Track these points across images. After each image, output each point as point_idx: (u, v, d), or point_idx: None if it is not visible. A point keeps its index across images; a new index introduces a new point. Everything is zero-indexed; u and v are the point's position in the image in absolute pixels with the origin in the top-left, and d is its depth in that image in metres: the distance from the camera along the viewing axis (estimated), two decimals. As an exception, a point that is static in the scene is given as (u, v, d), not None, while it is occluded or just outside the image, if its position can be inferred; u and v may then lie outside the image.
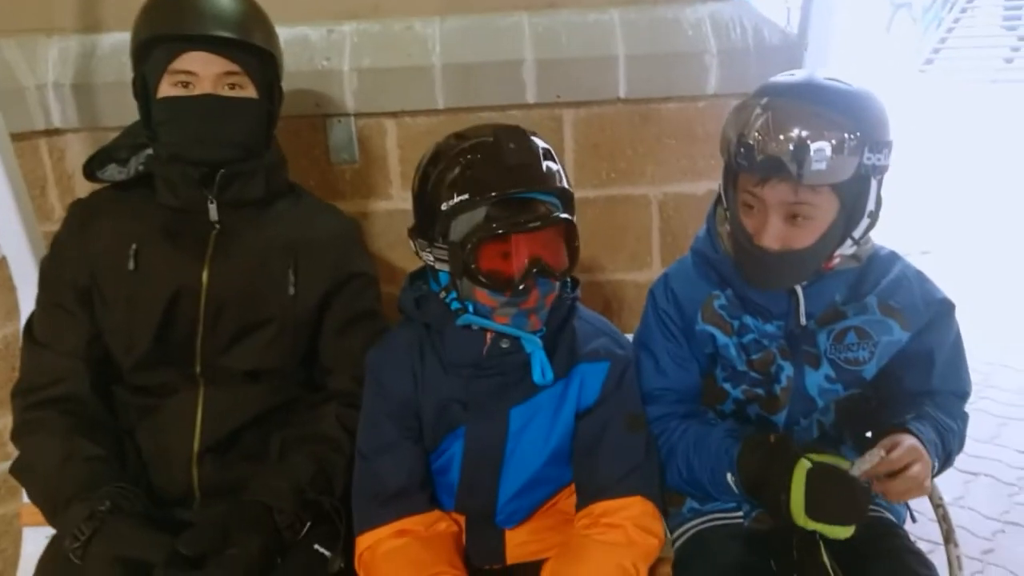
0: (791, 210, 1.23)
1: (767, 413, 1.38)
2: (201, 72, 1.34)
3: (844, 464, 1.17)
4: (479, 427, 1.29)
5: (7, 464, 1.39)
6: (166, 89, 1.36)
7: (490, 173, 1.17)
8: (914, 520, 1.43)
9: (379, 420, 1.33)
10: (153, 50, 1.35)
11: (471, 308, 1.25)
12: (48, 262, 1.45)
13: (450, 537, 1.30)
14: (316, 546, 1.30)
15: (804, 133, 1.16)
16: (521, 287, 1.19)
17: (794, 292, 1.33)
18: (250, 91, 1.39)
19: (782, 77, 1.28)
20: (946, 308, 1.38)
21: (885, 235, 1.39)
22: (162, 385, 1.41)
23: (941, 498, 1.44)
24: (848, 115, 1.18)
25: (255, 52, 1.38)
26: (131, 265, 1.37)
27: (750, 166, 1.21)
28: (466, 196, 1.17)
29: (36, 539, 1.53)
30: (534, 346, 1.25)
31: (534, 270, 1.18)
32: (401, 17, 1.93)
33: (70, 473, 1.28)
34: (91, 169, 1.47)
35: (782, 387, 1.35)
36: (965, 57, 11.93)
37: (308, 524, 1.31)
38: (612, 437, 1.31)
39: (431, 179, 1.23)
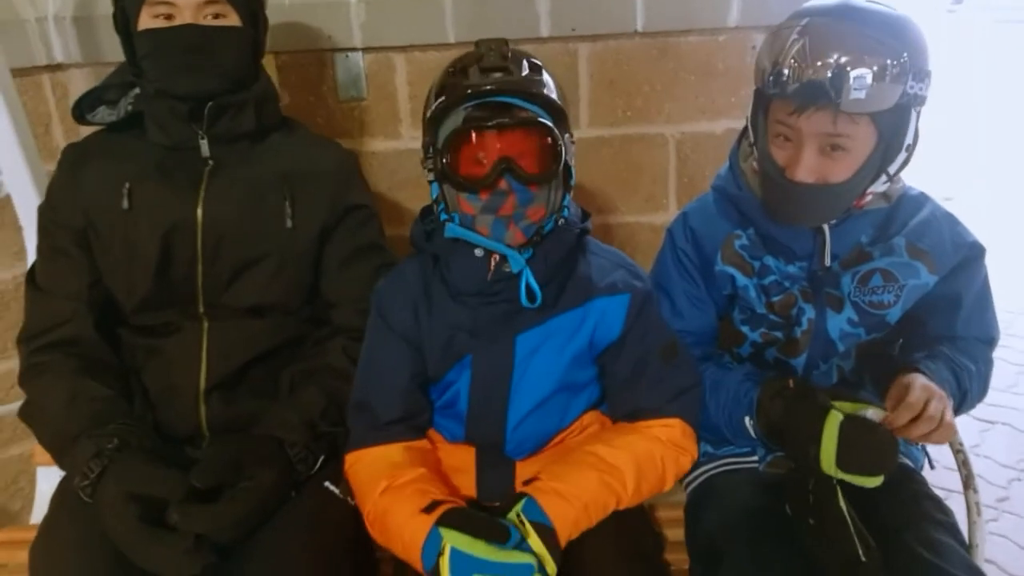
0: (828, 141, 1.17)
1: (786, 356, 1.35)
2: (180, 2, 1.30)
3: (866, 409, 1.15)
4: (485, 354, 1.28)
5: (19, 404, 1.39)
6: (146, 21, 1.32)
7: (468, 77, 1.20)
8: (932, 466, 1.40)
9: (377, 351, 1.33)
10: None
11: (457, 219, 1.26)
12: (44, 208, 1.43)
13: (431, 453, 1.32)
14: (326, 484, 1.30)
15: (845, 58, 1.10)
16: (494, 190, 1.19)
17: (820, 231, 1.28)
18: (233, 19, 1.35)
19: (819, 1, 1.21)
20: (976, 252, 1.33)
21: (911, 178, 1.34)
22: (166, 324, 1.40)
23: (961, 443, 1.41)
24: (892, 39, 1.12)
25: None
26: (125, 204, 1.35)
27: (785, 93, 1.16)
28: (443, 99, 1.20)
29: (50, 477, 1.54)
30: (519, 264, 1.24)
31: (503, 167, 1.18)
32: (410, -55, 1.86)
33: (76, 412, 1.28)
34: (80, 112, 1.44)
35: (803, 330, 1.32)
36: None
37: (322, 457, 1.32)
38: (649, 370, 1.30)
39: (428, 93, 1.27)
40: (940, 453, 1.46)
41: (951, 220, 1.34)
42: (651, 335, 1.32)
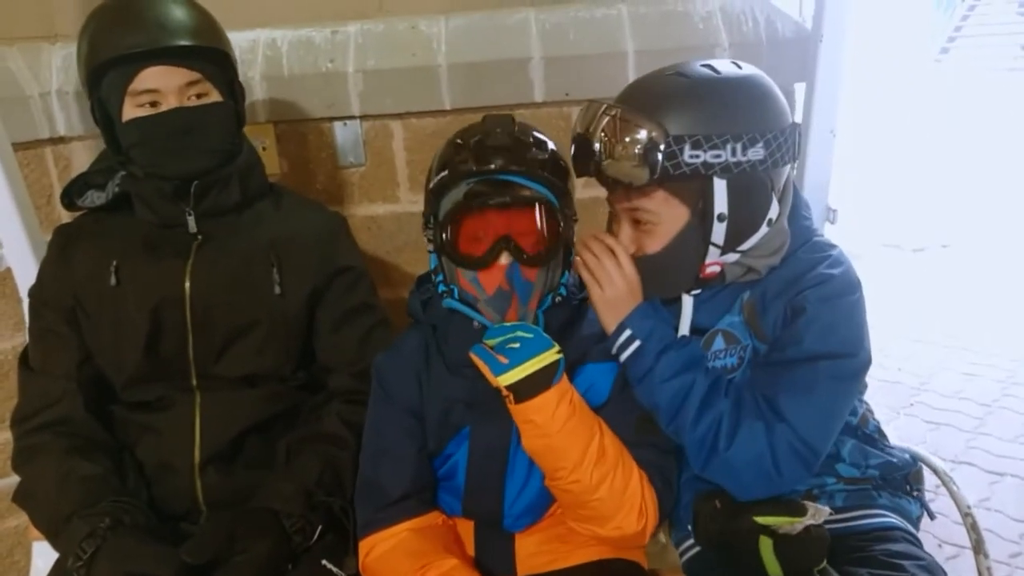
0: (633, 216, 1.21)
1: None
2: (163, 87, 1.31)
3: (792, 521, 1.12)
4: (483, 426, 1.27)
5: (15, 479, 1.38)
6: (131, 111, 1.32)
7: (471, 153, 1.20)
8: (932, 517, 1.35)
9: (382, 425, 1.32)
10: (106, 74, 1.31)
11: (456, 293, 1.26)
12: (34, 289, 1.45)
13: (447, 529, 1.29)
14: (324, 562, 1.27)
15: (599, 136, 1.16)
16: (498, 289, 1.20)
17: (677, 301, 1.26)
18: (214, 95, 1.37)
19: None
20: (809, 318, 1.17)
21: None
22: (159, 399, 1.39)
23: (969, 507, 1.38)
24: (654, 112, 1.12)
25: (211, 55, 1.35)
26: (112, 281, 1.36)
27: (580, 172, 1.23)
28: (445, 173, 1.21)
29: (45, 553, 1.51)
30: None
31: (502, 245, 1.19)
32: (406, 16, 1.91)
33: (67, 493, 1.27)
34: (70, 199, 1.46)
35: None
36: (981, 45, 11.79)
37: (319, 528, 1.29)
38: (621, 437, 1.25)
39: (432, 164, 1.28)
40: (949, 508, 1.44)
41: (797, 281, 1.21)
42: (634, 406, 1.27)
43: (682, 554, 1.36)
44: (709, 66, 1.18)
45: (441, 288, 1.27)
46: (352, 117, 1.89)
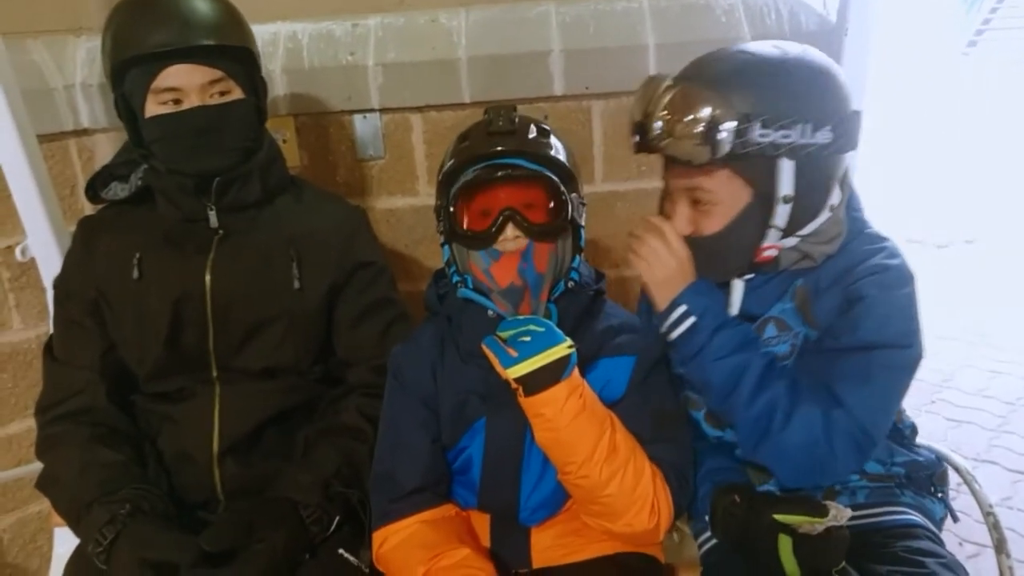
0: (691, 195, 1.18)
1: (715, 428, 1.33)
2: (186, 86, 1.31)
3: (817, 520, 1.10)
4: (498, 418, 1.27)
5: (39, 464, 1.40)
6: (153, 108, 1.32)
7: (475, 141, 1.25)
8: (955, 519, 1.33)
9: (397, 418, 1.33)
10: (129, 71, 1.31)
11: (469, 282, 1.27)
12: (58, 280, 1.47)
13: (460, 521, 1.30)
14: (341, 551, 1.28)
15: (668, 112, 1.12)
16: (510, 284, 1.21)
17: (726, 286, 1.25)
18: (237, 92, 1.36)
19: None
20: (865, 306, 1.16)
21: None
22: (179, 390, 1.41)
23: (991, 505, 1.37)
24: (727, 89, 1.09)
25: (235, 53, 1.35)
26: (135, 274, 1.37)
27: (639, 149, 1.20)
28: (453, 161, 1.25)
29: (66, 540, 1.54)
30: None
31: (506, 214, 1.20)
32: (426, 10, 1.91)
33: (88, 480, 1.29)
34: (94, 191, 1.47)
35: None
36: (1010, 39, 11.58)
37: (336, 519, 1.30)
38: (637, 434, 1.26)
39: (442, 159, 1.31)
40: (971, 506, 1.42)
41: (864, 271, 1.18)
42: (651, 402, 1.28)
43: (700, 545, 1.36)
44: (776, 46, 1.16)
45: (455, 279, 1.28)
46: (372, 110, 1.90)
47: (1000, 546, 1.34)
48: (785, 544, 1.11)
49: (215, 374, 1.40)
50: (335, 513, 1.31)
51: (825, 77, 1.14)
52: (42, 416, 1.40)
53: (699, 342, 1.19)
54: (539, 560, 1.29)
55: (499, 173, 1.21)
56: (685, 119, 1.10)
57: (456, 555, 1.19)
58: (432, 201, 1.85)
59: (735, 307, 1.24)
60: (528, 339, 1.16)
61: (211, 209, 1.39)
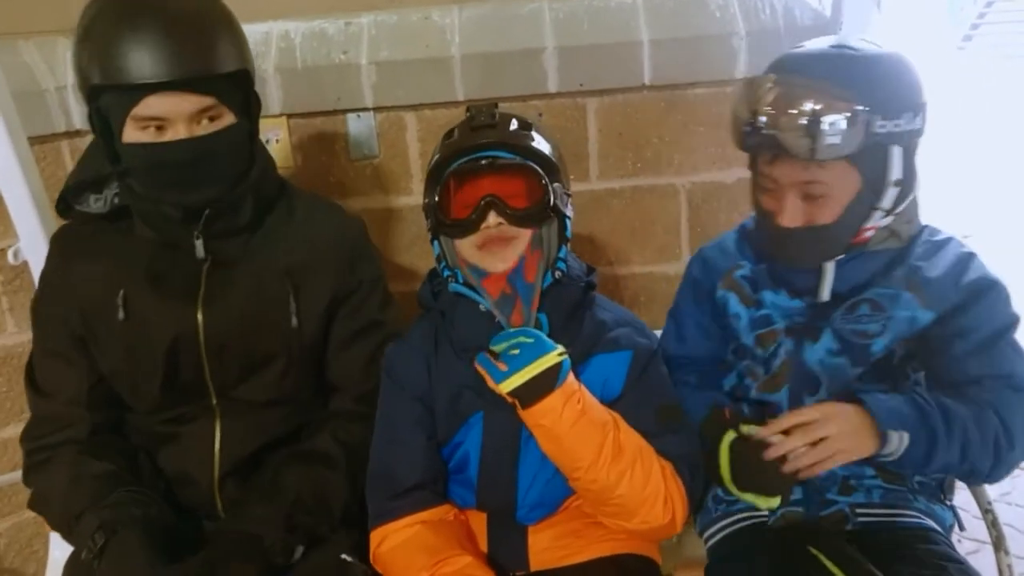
0: (805, 189, 1.19)
1: (767, 392, 1.33)
2: (171, 115, 1.17)
3: (776, 430, 1.19)
4: (493, 412, 1.27)
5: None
6: (133, 134, 1.19)
7: (458, 135, 1.28)
8: (962, 528, 1.35)
9: (392, 415, 1.32)
10: (107, 91, 1.18)
11: (460, 277, 1.28)
12: (38, 301, 1.39)
13: (460, 525, 1.29)
14: (343, 556, 1.26)
15: (799, 113, 1.13)
16: (502, 293, 1.23)
17: (821, 267, 1.28)
18: (228, 118, 1.24)
19: (792, 49, 1.25)
20: (983, 285, 1.25)
21: (926, 219, 1.33)
22: (180, 415, 1.37)
23: (990, 503, 1.36)
24: (847, 85, 1.13)
25: (227, 75, 1.22)
26: (121, 315, 1.29)
27: (753, 146, 1.20)
28: (438, 156, 1.27)
29: (63, 544, 1.53)
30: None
31: (488, 200, 1.22)
32: (419, 7, 1.90)
33: (79, 491, 1.26)
34: (66, 204, 1.36)
35: (781, 361, 1.31)
36: (1005, 32, 11.59)
37: (301, 548, 1.25)
38: (643, 428, 1.26)
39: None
40: (969, 501, 1.42)
41: (963, 258, 1.28)
42: (652, 396, 1.29)
43: (707, 539, 1.37)
44: (864, 42, 1.22)
45: (446, 273, 1.29)
46: (366, 109, 1.89)
47: (999, 543, 1.34)
48: (726, 440, 1.21)
49: (214, 402, 1.36)
50: (298, 542, 1.25)
51: (913, 69, 1.21)
52: (28, 444, 1.36)
53: (923, 449, 1.18)
54: (536, 562, 1.28)
55: (481, 163, 1.23)
56: (814, 116, 1.12)
57: (459, 562, 1.19)
58: (426, 200, 1.84)
59: (827, 287, 1.28)
60: (517, 352, 1.18)
61: (197, 237, 1.28)
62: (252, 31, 1.83)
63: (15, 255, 1.63)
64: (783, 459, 1.16)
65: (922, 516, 1.27)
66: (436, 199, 1.26)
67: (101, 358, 1.35)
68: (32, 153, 1.59)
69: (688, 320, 1.43)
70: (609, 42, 1.84)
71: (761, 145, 1.18)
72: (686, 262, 1.94)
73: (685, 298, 1.46)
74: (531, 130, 1.28)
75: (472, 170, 1.24)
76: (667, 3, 1.86)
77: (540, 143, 1.27)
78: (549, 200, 1.24)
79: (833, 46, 1.21)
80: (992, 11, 11.98)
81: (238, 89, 1.26)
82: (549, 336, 1.23)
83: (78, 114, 1.87)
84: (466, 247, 1.25)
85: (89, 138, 1.89)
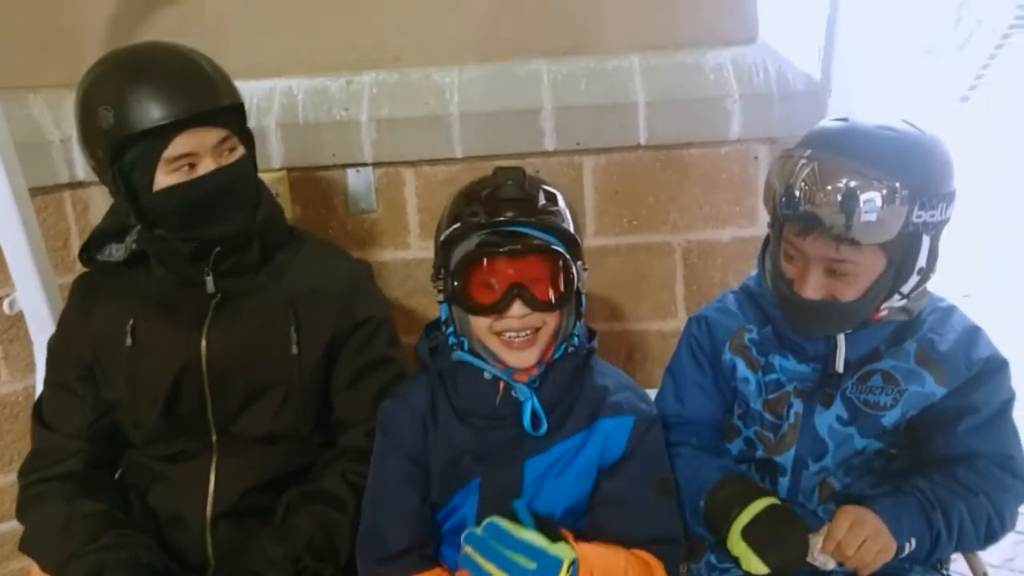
0: (832, 266, 1.20)
1: (772, 454, 1.33)
2: (200, 149, 1.27)
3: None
4: (493, 478, 1.25)
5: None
6: (166, 179, 1.27)
7: (483, 205, 1.21)
8: None
9: (385, 473, 1.30)
10: (131, 146, 1.25)
11: (466, 345, 1.26)
12: (54, 341, 1.44)
13: None
14: None
15: (845, 191, 1.12)
16: (505, 324, 1.20)
17: (833, 338, 1.28)
18: (241, 149, 1.34)
19: (828, 124, 1.25)
20: (994, 365, 1.28)
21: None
22: (178, 453, 1.38)
23: (986, 574, 1.33)
24: (894, 171, 1.13)
25: (232, 108, 1.33)
26: (128, 341, 1.34)
27: (792, 218, 1.19)
28: (458, 225, 1.21)
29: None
30: (525, 395, 1.24)
31: (515, 292, 1.18)
32: (420, 67, 1.94)
33: (70, 533, 1.27)
34: (89, 254, 1.42)
35: (790, 424, 1.31)
36: (1004, 91, 11.78)
37: None
38: (638, 499, 1.26)
39: (442, 216, 1.28)
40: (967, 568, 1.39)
41: (972, 333, 1.30)
42: (650, 464, 1.28)
43: None
44: (906, 123, 1.21)
45: (451, 340, 1.26)
46: (365, 164, 1.92)
47: (998, 614, 1.31)
48: (765, 501, 1.21)
49: (214, 439, 1.37)
50: None
51: (948, 155, 1.20)
52: (24, 478, 1.38)
53: (927, 549, 1.20)
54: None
55: (506, 248, 1.18)
56: (868, 200, 1.12)
57: None
58: (424, 254, 1.86)
59: (841, 359, 1.28)
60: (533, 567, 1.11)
61: (208, 275, 1.35)
62: (256, 87, 1.89)
63: (11, 305, 1.64)
64: (807, 531, 1.18)
65: None
66: (455, 275, 1.21)
67: (106, 387, 1.37)
68: (33, 203, 1.62)
69: (688, 381, 1.42)
70: (606, 103, 1.87)
71: (801, 220, 1.17)
72: (681, 319, 1.97)
73: (685, 359, 1.44)
74: (557, 203, 1.24)
75: (497, 252, 1.19)
76: (663, 65, 1.90)
77: (565, 219, 1.23)
78: (574, 286, 1.22)
79: (881, 127, 1.19)
80: (989, 72, 12.20)
81: (241, 123, 1.36)
82: (548, 404, 1.23)
83: (81, 166, 1.90)
84: (483, 329, 1.22)
85: (91, 190, 1.94)
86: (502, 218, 1.19)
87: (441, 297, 1.26)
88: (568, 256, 1.21)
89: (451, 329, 1.27)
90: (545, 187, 1.25)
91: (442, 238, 1.24)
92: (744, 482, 1.27)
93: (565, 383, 1.26)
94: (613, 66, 1.90)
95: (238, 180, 1.32)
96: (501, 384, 1.26)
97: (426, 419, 1.29)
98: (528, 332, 1.21)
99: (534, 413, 1.23)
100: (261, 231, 1.39)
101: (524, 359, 1.22)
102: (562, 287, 1.22)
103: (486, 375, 1.25)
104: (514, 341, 1.21)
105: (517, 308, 1.19)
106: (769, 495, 1.23)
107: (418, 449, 1.29)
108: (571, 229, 1.23)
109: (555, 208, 1.23)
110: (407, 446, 1.29)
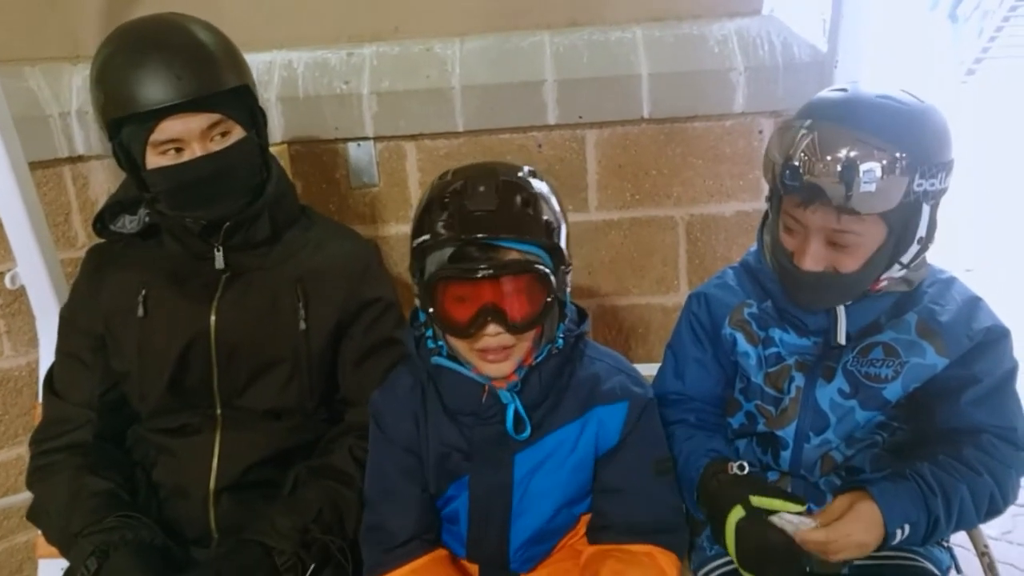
0: (832, 236, 1.19)
1: (774, 428, 1.32)
2: (185, 135, 1.27)
3: (791, 508, 1.16)
4: (482, 476, 1.25)
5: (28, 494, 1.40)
6: (154, 160, 1.29)
7: (450, 218, 1.13)
8: (959, 571, 1.33)
9: (384, 466, 1.30)
10: (124, 126, 1.27)
11: (444, 351, 1.23)
12: (66, 310, 1.46)
13: (450, 561, 1.29)
14: None
15: (846, 161, 1.11)
16: (480, 344, 1.16)
17: (833, 310, 1.28)
18: (237, 132, 1.32)
19: (828, 94, 1.23)
20: (995, 335, 1.27)
21: (929, 253, 1.32)
22: (182, 427, 1.39)
23: (986, 546, 1.33)
24: (895, 140, 1.12)
25: (231, 91, 1.30)
26: (140, 311, 1.36)
27: (792, 189, 1.17)
28: (427, 237, 1.15)
29: (51, 570, 1.53)
30: (507, 399, 1.21)
31: (487, 314, 1.13)
32: (421, 39, 1.92)
33: (77, 509, 1.28)
34: (102, 223, 1.42)
35: (791, 398, 1.30)
36: (1010, 67, 11.66)
37: (312, 566, 1.27)
38: (639, 482, 1.26)
39: (417, 209, 1.22)
40: (967, 538, 1.40)
41: (973, 303, 1.29)
42: (647, 447, 1.27)
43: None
44: (906, 93, 1.20)
45: (430, 344, 1.23)
46: (366, 138, 1.90)
47: (996, 587, 1.31)
48: (734, 515, 1.17)
49: (219, 412, 1.38)
50: (311, 561, 1.27)
51: (945, 124, 1.19)
52: (35, 447, 1.39)
53: (923, 533, 1.18)
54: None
55: (479, 270, 1.11)
56: (868, 170, 1.11)
57: None
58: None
59: (842, 330, 1.28)
60: None
61: (218, 250, 1.36)
62: (255, 60, 1.86)
63: (12, 280, 1.64)
64: (792, 542, 1.14)
65: (919, 559, 1.26)
66: (429, 292, 1.16)
67: (116, 357, 1.39)
68: (33, 178, 1.61)
69: (688, 358, 1.42)
70: (609, 75, 1.85)
71: (802, 190, 1.16)
72: (684, 294, 1.97)
73: (684, 335, 1.44)
74: (534, 206, 1.15)
75: (468, 275, 1.12)
76: (666, 37, 1.87)
77: (541, 224, 1.15)
78: (552, 300, 1.16)
79: (884, 96, 1.18)
80: (995, 45, 12.06)
81: (243, 104, 1.34)
82: (536, 399, 1.22)
83: (81, 140, 1.89)
84: (459, 342, 1.19)
85: (91, 164, 1.93)
86: (473, 236, 1.12)
87: (417, 302, 1.21)
88: (546, 267, 1.14)
89: (429, 332, 1.23)
90: (521, 191, 1.16)
91: (413, 245, 1.19)
92: (714, 478, 1.24)
93: (551, 379, 1.24)
94: (616, 38, 1.88)
95: (227, 166, 1.30)
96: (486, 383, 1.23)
97: (417, 412, 1.28)
98: (504, 346, 1.17)
99: (517, 415, 1.21)
100: (272, 208, 1.39)
101: (500, 370, 1.19)
102: (540, 302, 1.16)
103: (467, 375, 1.22)
104: (489, 355, 1.18)
105: (491, 329, 1.15)
106: (735, 501, 1.19)
107: (412, 440, 1.28)
108: (553, 236, 1.16)
109: (530, 213, 1.15)
110: (401, 438, 1.28)
